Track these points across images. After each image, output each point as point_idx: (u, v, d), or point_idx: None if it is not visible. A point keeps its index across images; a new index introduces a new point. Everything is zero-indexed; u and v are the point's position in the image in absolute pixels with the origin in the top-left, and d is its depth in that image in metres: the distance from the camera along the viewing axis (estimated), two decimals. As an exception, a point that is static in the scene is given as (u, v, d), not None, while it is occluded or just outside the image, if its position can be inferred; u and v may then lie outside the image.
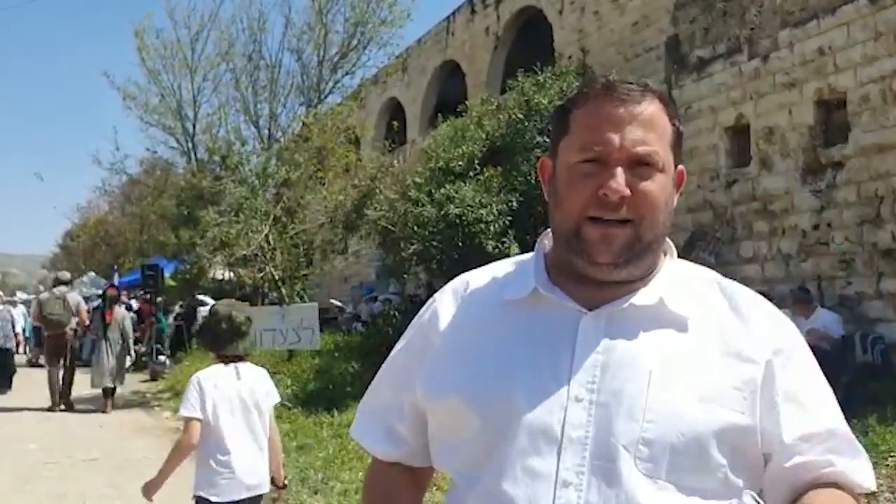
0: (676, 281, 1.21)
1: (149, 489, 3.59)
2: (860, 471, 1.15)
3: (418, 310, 1.38)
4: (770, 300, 1.28)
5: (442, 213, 10.54)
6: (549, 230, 1.27)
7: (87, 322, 12.18)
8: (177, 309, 19.54)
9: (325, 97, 20.06)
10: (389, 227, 12.17)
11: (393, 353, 1.36)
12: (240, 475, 3.57)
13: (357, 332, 15.66)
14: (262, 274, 12.81)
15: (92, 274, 26.06)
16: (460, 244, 10.39)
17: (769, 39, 10.58)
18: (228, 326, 3.68)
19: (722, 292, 1.22)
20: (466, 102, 14.58)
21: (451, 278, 1.35)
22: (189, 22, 22.01)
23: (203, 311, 20.45)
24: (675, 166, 1.21)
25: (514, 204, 10.56)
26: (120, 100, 21.62)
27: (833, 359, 7.40)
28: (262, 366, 4.06)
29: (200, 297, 18.46)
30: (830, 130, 9.82)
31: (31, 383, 12.89)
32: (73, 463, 7.73)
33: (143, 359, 16.71)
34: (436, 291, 1.36)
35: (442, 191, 10.75)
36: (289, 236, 13.00)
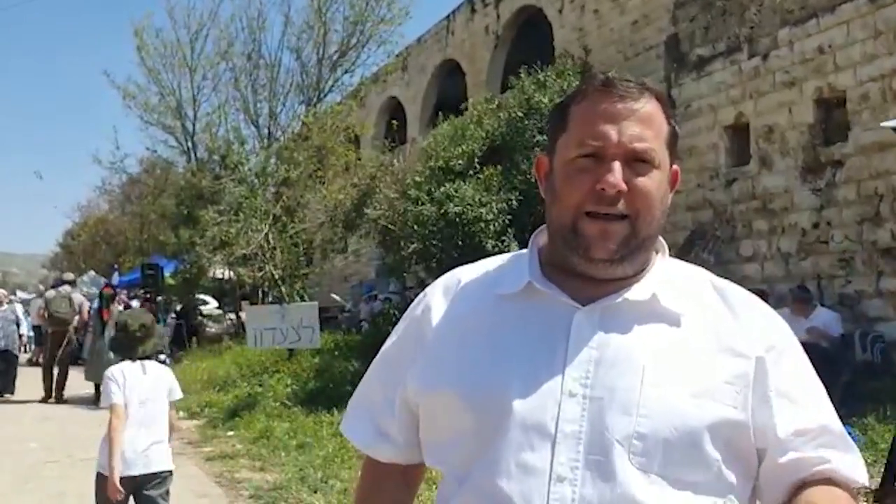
0: (669, 278, 1.21)
1: (111, 472, 3.97)
2: (854, 466, 1.16)
3: (418, 309, 1.38)
4: (770, 299, 1.29)
5: (442, 211, 10.54)
6: (543, 227, 1.27)
7: (87, 319, 12.67)
8: (175, 308, 19.56)
9: (325, 96, 20.07)
10: (389, 225, 12.17)
11: (384, 347, 1.36)
12: (138, 454, 4.07)
13: (360, 331, 15.64)
14: (261, 273, 12.82)
15: (92, 273, 26.00)
16: (460, 243, 10.39)
17: (769, 38, 10.58)
18: (125, 335, 4.31)
19: (715, 290, 1.23)
20: (467, 101, 14.59)
21: (450, 276, 1.34)
22: (189, 21, 22.03)
23: (206, 310, 20.52)
24: (671, 165, 1.21)
25: (514, 203, 10.56)
26: (120, 99, 21.69)
27: (833, 357, 7.41)
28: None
29: (201, 296, 18.49)
30: (830, 129, 9.82)
31: (33, 383, 12.89)
32: (73, 462, 7.72)
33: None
34: (435, 290, 1.35)
35: (442, 189, 10.75)
36: (288, 235, 13.01)
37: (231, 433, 9.45)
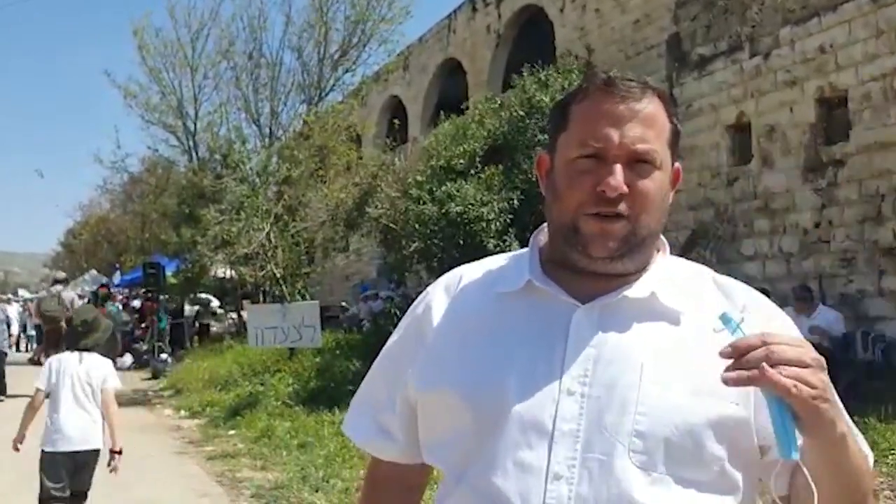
0: (669, 276, 1.21)
1: (14, 443, 4.81)
2: (863, 445, 1.16)
3: (420, 308, 1.38)
4: (771, 298, 1.28)
5: (443, 211, 10.54)
6: (543, 226, 1.27)
7: None
8: (171, 306, 19.56)
9: (326, 95, 20.02)
10: (390, 225, 12.18)
11: (387, 345, 1.36)
12: (68, 433, 4.65)
13: (361, 330, 15.65)
14: (263, 272, 12.81)
15: (94, 272, 26.10)
16: (461, 242, 10.40)
17: (770, 37, 10.57)
18: (70, 329, 4.98)
19: (717, 287, 1.23)
20: (469, 100, 14.59)
21: (451, 275, 1.35)
22: (189, 20, 21.95)
23: (210, 309, 20.53)
24: (672, 164, 1.21)
25: (516, 202, 10.56)
26: (121, 98, 21.55)
27: (834, 357, 7.39)
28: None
29: (202, 295, 18.49)
30: (831, 128, 9.82)
31: (33, 381, 12.90)
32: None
33: (145, 357, 16.74)
34: (436, 289, 1.35)
35: (443, 189, 10.75)
36: (290, 234, 13.00)
37: (232, 432, 9.47)
